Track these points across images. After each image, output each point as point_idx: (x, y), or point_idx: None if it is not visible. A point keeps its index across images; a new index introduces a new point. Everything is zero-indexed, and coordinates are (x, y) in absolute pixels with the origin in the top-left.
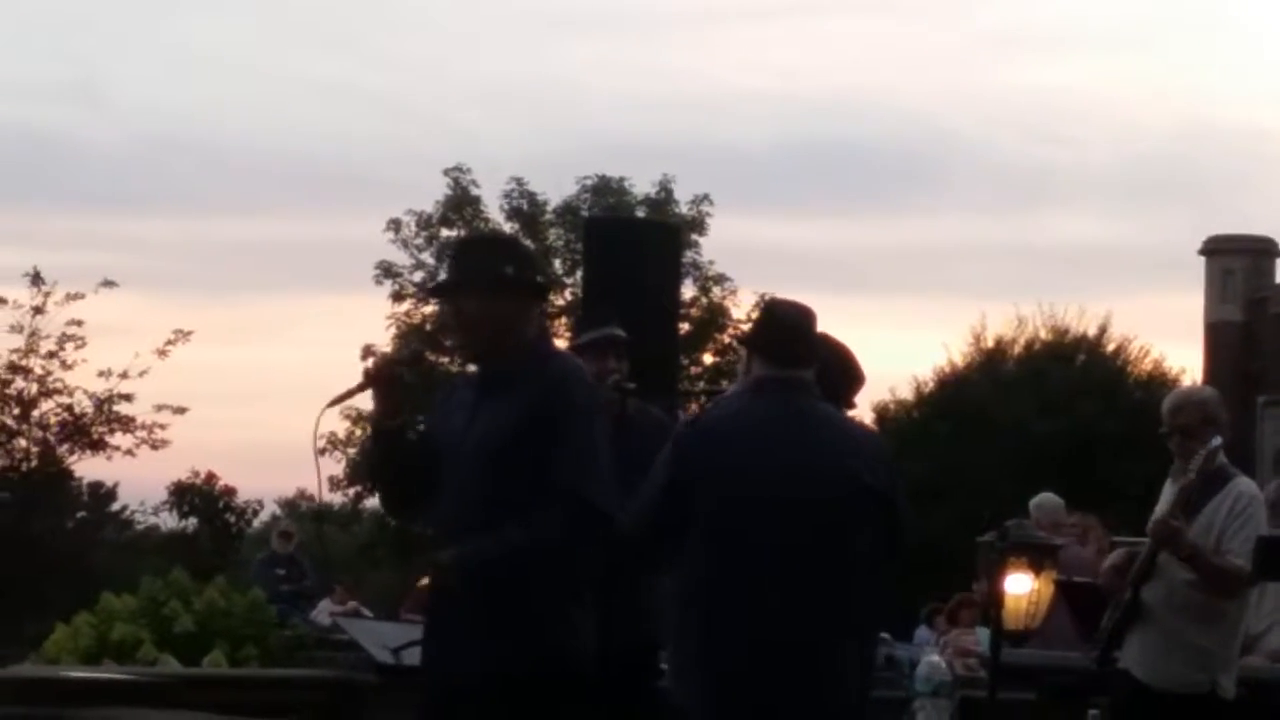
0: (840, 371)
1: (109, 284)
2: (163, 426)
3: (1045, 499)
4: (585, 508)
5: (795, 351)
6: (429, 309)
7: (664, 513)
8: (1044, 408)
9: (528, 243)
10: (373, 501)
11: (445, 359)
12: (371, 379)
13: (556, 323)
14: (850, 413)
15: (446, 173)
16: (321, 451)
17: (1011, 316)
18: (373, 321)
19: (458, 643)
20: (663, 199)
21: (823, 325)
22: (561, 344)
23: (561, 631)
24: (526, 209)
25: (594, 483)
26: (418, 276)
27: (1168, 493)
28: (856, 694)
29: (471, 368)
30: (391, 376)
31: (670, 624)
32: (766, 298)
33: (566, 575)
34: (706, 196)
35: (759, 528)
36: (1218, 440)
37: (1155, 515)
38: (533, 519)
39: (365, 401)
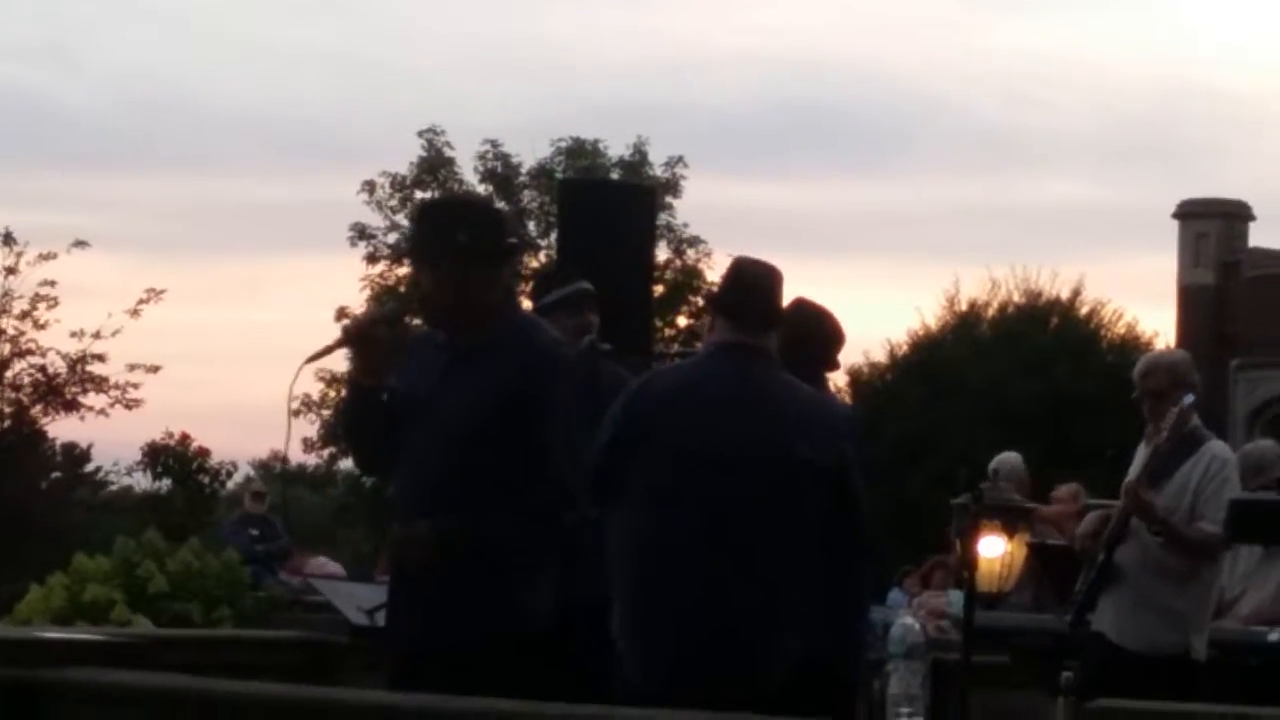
0: (820, 333)
1: (81, 244)
2: (135, 386)
3: (1006, 459)
4: (562, 496)
5: (759, 315)
6: (404, 270)
7: (605, 468)
8: (1018, 371)
9: (501, 204)
10: (347, 463)
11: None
12: (350, 336)
13: (530, 283)
14: (835, 373)
15: (421, 134)
16: (295, 413)
17: (985, 279)
18: (347, 283)
19: (422, 613)
20: (637, 161)
21: (797, 288)
22: (528, 304)
23: (524, 595)
24: (501, 171)
25: (577, 470)
26: (392, 238)
27: (1140, 455)
28: (793, 668)
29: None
30: (371, 335)
31: (613, 580)
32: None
33: (532, 549)
34: (681, 159)
35: (693, 491)
36: (1190, 398)
37: (1128, 478)
38: (518, 507)
39: (339, 363)
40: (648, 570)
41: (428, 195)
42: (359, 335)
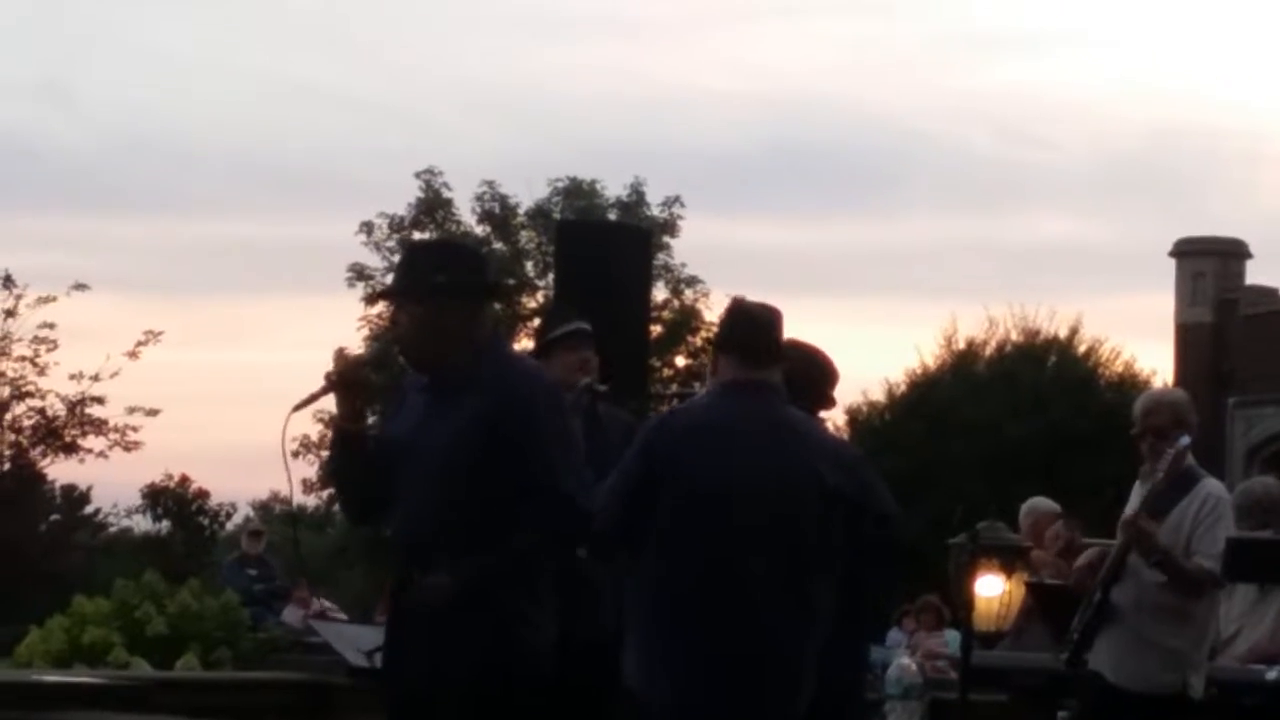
0: (815, 371)
1: (80, 287)
2: (135, 429)
3: (1036, 504)
4: (577, 513)
5: (763, 351)
6: None
7: (632, 509)
8: (1015, 409)
9: (498, 245)
10: None
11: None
12: (334, 382)
13: (528, 325)
14: (830, 410)
15: (418, 175)
16: (294, 454)
17: (982, 318)
18: (345, 324)
19: (422, 652)
20: (634, 201)
21: (794, 326)
22: (528, 345)
23: (524, 632)
24: (498, 212)
25: (583, 485)
26: (389, 279)
27: (1136, 494)
28: (819, 692)
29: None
30: (354, 379)
31: (632, 620)
32: (740, 299)
33: (530, 578)
34: (678, 199)
35: (724, 527)
36: (1185, 439)
37: (1124, 516)
38: (524, 528)
39: (334, 404)
40: (679, 600)
41: (425, 236)
42: (342, 380)
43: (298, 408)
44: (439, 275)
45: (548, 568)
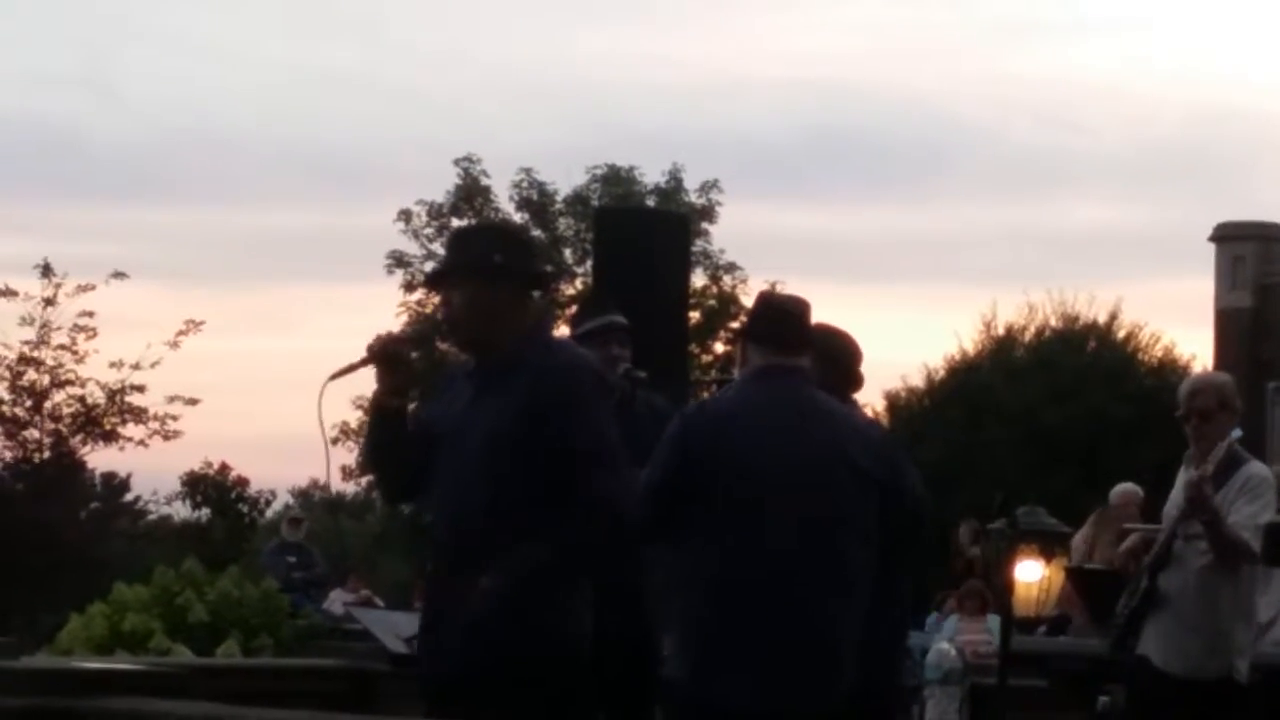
0: (839, 350)
1: (120, 275)
2: (175, 418)
3: (1123, 489)
4: (618, 518)
5: (792, 338)
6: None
7: (667, 501)
8: (1054, 395)
9: (537, 232)
10: None
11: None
12: (374, 355)
13: (566, 312)
14: (861, 389)
15: (457, 163)
16: (334, 441)
17: (1022, 304)
18: (384, 311)
19: (456, 635)
20: (672, 188)
21: (833, 313)
22: (564, 333)
23: (558, 618)
24: (536, 199)
25: (624, 487)
26: (428, 266)
27: (1181, 479)
28: (866, 674)
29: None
30: (395, 354)
31: (672, 611)
32: (774, 286)
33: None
34: (716, 184)
35: (760, 513)
36: (1238, 433)
37: (1169, 504)
38: (566, 533)
39: (372, 386)
40: (721, 588)
41: (463, 223)
42: (383, 353)
43: (335, 376)
44: (497, 256)
45: (596, 556)
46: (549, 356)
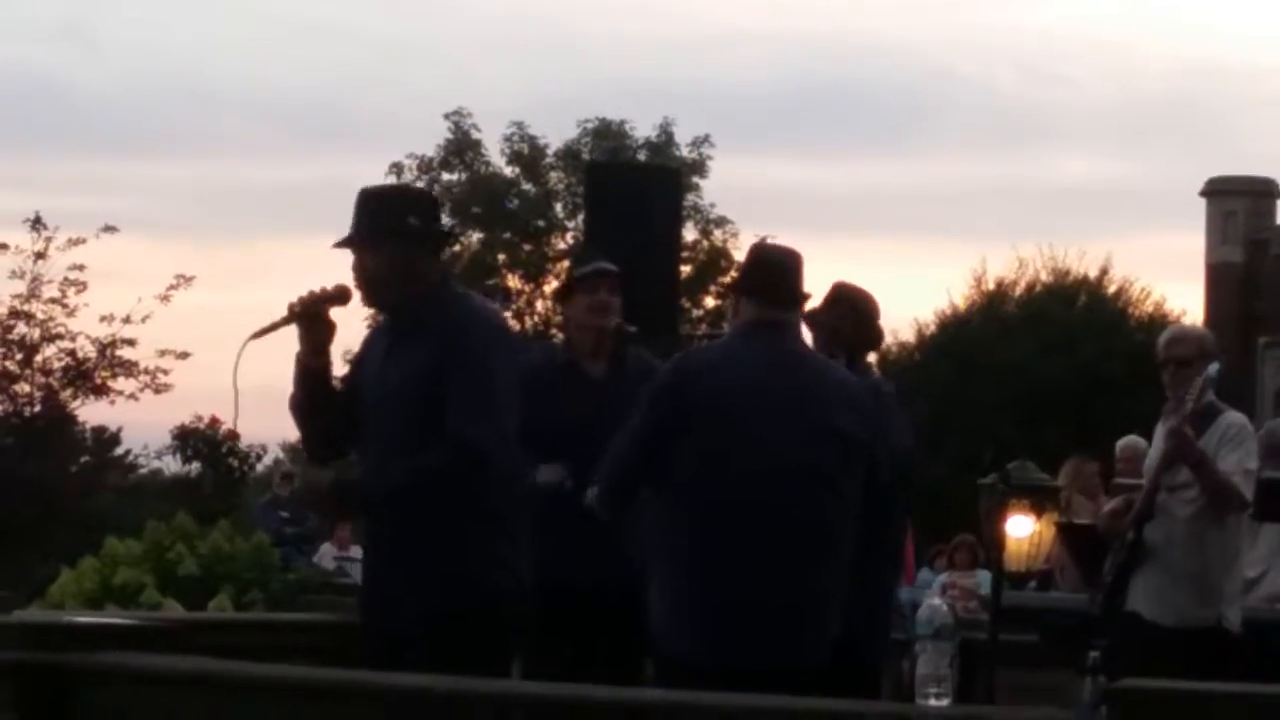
0: (874, 314)
1: (110, 229)
2: (165, 372)
3: (1128, 442)
4: (464, 447)
5: (784, 293)
6: None
7: (648, 455)
8: (1045, 350)
9: (528, 186)
10: None
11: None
12: (296, 314)
13: (558, 266)
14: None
15: (447, 116)
16: None
17: (1012, 258)
18: None
19: (395, 589)
20: (663, 142)
21: (826, 266)
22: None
23: (492, 570)
24: (527, 152)
25: (477, 423)
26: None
27: (1160, 431)
28: (850, 627)
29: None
30: (317, 313)
31: (655, 565)
32: (763, 239)
33: (473, 511)
34: (707, 138)
35: (744, 468)
36: (1215, 366)
37: (1149, 458)
38: (415, 458)
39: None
40: (706, 543)
41: (454, 177)
42: (305, 313)
43: (255, 335)
44: (412, 218)
45: (510, 508)
46: (452, 312)
